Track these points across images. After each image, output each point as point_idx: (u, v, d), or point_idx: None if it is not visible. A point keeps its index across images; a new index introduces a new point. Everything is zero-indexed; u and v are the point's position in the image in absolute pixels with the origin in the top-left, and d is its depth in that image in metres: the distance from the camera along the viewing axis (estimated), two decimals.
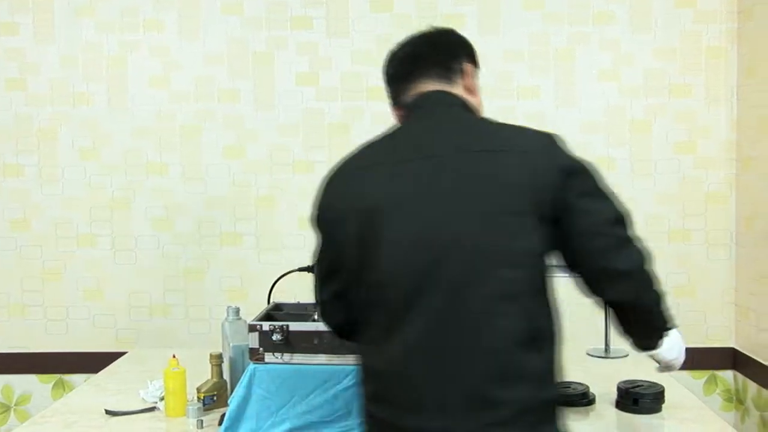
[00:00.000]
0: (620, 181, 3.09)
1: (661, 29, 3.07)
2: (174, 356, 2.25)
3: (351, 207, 1.60)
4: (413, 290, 1.49)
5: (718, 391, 3.14)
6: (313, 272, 2.12)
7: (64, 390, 3.16)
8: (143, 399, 2.31)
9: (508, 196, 1.51)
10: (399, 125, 1.73)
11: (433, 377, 1.48)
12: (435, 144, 1.58)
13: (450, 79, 1.73)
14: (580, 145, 3.10)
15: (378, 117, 3.13)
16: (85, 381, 2.70)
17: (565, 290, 3.14)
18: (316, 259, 1.72)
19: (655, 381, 2.26)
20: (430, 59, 1.76)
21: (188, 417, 2.17)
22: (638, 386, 2.23)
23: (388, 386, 1.54)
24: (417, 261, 1.50)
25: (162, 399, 2.26)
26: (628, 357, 2.61)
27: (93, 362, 2.97)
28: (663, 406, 2.22)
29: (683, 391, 2.40)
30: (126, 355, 2.95)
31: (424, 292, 1.48)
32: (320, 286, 1.73)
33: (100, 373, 2.70)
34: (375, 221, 1.54)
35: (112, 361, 2.84)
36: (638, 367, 2.41)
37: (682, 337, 1.81)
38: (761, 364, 2.86)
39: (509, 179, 1.52)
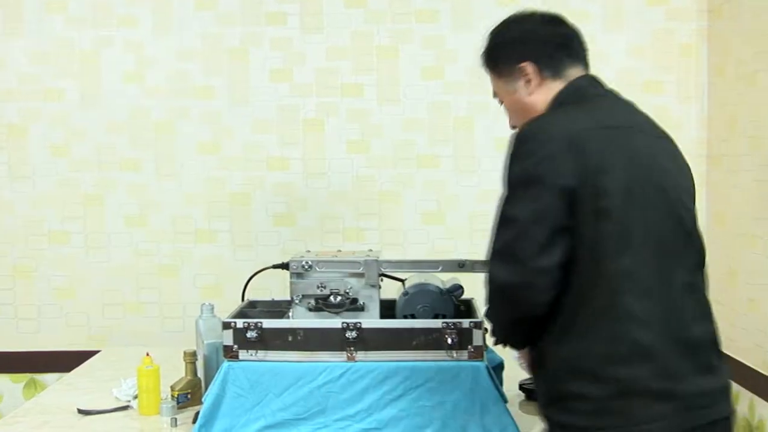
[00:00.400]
0: None
1: (634, 27, 3.09)
2: (148, 354, 2.24)
3: (609, 162, 1.60)
4: (663, 254, 1.60)
5: None
6: (286, 269, 2.14)
7: (36, 390, 3.13)
8: (116, 398, 2.30)
9: (687, 179, 1.73)
10: (582, 99, 1.74)
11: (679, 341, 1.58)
12: (634, 121, 1.72)
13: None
14: None
15: (353, 113, 3.12)
16: (57, 380, 2.68)
17: None
18: (528, 225, 1.58)
19: None
20: (585, 46, 1.86)
21: (162, 415, 2.16)
22: None
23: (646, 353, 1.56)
24: (667, 227, 1.63)
25: (135, 397, 2.25)
26: None
27: (65, 361, 2.95)
28: None
29: None
30: (99, 353, 2.93)
31: (670, 258, 1.61)
32: (539, 252, 1.57)
33: (72, 372, 2.68)
34: (639, 177, 1.61)
35: (84, 360, 2.82)
36: None
37: None
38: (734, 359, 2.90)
39: (683, 163, 1.74)
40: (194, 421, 2.05)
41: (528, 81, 1.78)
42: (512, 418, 2.01)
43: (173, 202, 3.15)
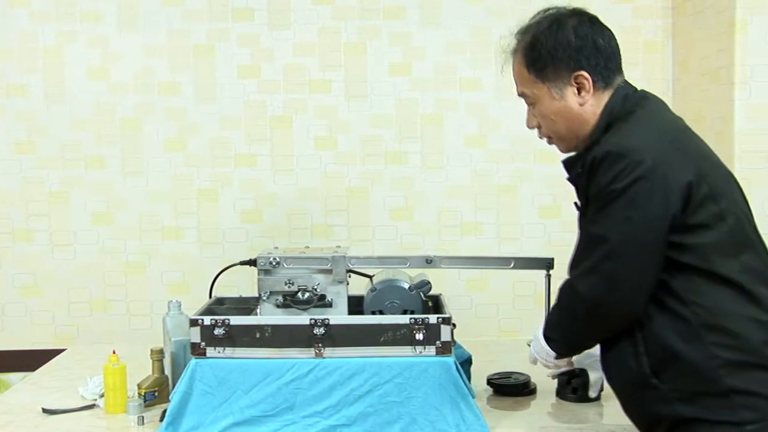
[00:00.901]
0: (560, 172, 3.12)
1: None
2: (114, 352, 2.22)
3: (703, 170, 1.69)
4: (743, 245, 1.70)
5: None
6: (254, 265, 2.13)
7: (0, 389, 3.09)
8: (82, 396, 2.28)
9: None
10: (645, 107, 1.79)
11: None
12: (683, 122, 1.84)
13: None
14: (520, 137, 3.16)
15: (320, 110, 3.12)
16: (22, 380, 2.65)
17: (506, 284, 3.19)
18: (625, 244, 1.66)
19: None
20: None
21: (129, 414, 2.14)
22: (575, 377, 2.27)
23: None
24: (749, 217, 1.76)
25: (102, 396, 2.23)
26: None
27: (30, 360, 2.92)
28: (602, 394, 2.26)
29: None
30: (65, 352, 2.90)
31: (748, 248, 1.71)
32: (649, 259, 1.66)
33: (37, 371, 2.64)
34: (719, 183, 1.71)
35: (50, 359, 2.79)
36: None
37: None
38: None
39: None
40: (161, 419, 2.03)
41: (580, 90, 1.78)
42: (480, 413, 2.02)
43: (139, 200, 3.13)
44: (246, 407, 2.01)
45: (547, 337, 1.91)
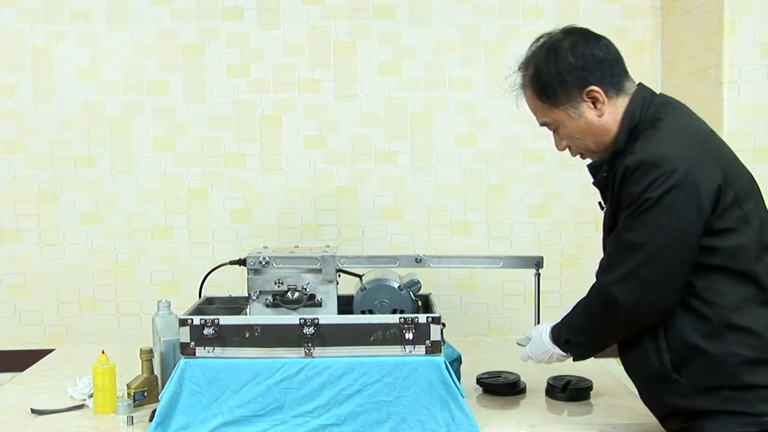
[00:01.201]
0: (550, 171, 3.15)
1: (590, 24, 3.11)
2: (103, 352, 2.22)
3: (730, 173, 1.77)
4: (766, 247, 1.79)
5: None
6: (243, 265, 2.13)
7: None
8: (71, 397, 2.27)
9: None
10: (671, 114, 1.84)
11: None
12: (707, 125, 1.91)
13: None
14: (509, 136, 3.17)
15: (310, 109, 3.12)
16: (10, 380, 2.64)
17: (496, 283, 3.20)
18: (660, 250, 1.73)
19: (582, 376, 2.31)
20: None
21: (118, 414, 2.14)
22: (567, 381, 2.28)
23: None
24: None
25: (91, 396, 2.23)
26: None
27: (19, 360, 2.91)
28: (591, 393, 2.27)
29: (612, 378, 2.46)
30: (54, 352, 2.90)
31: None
32: (683, 263, 1.74)
33: (26, 371, 2.64)
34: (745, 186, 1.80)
35: (39, 359, 2.78)
36: None
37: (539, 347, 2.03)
38: None
39: None
40: (151, 419, 2.03)
41: (594, 104, 1.85)
42: (470, 413, 2.02)
43: (129, 199, 3.12)
44: (236, 407, 2.01)
45: (567, 341, 1.95)
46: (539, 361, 2.05)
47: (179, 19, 3.09)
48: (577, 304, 1.95)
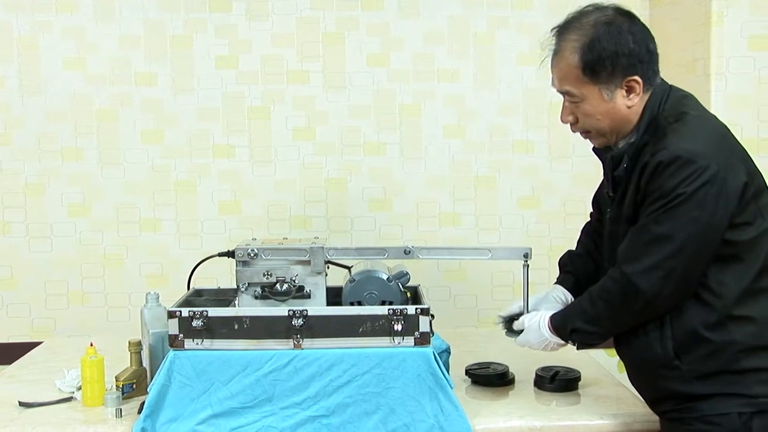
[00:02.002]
0: (538, 163, 3.15)
1: None
2: (92, 344, 2.21)
3: (751, 167, 1.84)
4: None
5: None
6: (232, 257, 2.13)
7: None
8: (59, 389, 2.26)
9: None
10: (694, 109, 1.88)
11: None
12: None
13: None
14: (498, 128, 3.17)
15: (298, 100, 3.11)
16: None
17: (485, 274, 3.20)
18: (688, 243, 1.76)
19: (571, 367, 2.32)
20: None
21: (106, 406, 2.13)
22: (555, 372, 2.29)
23: None
24: None
25: (79, 389, 2.22)
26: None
27: (7, 353, 2.90)
28: (579, 384, 2.28)
29: (599, 368, 2.47)
30: (42, 344, 2.88)
31: None
32: (706, 256, 1.78)
33: (14, 364, 2.63)
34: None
35: (27, 352, 2.77)
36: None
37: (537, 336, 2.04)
38: None
39: None
40: (139, 412, 2.03)
41: (629, 93, 1.86)
42: (459, 403, 2.03)
43: (117, 191, 3.11)
44: (224, 399, 2.01)
45: (574, 329, 1.94)
46: (534, 348, 2.07)
47: (167, 11, 3.08)
48: (587, 293, 1.95)
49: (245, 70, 3.11)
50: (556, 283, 2.25)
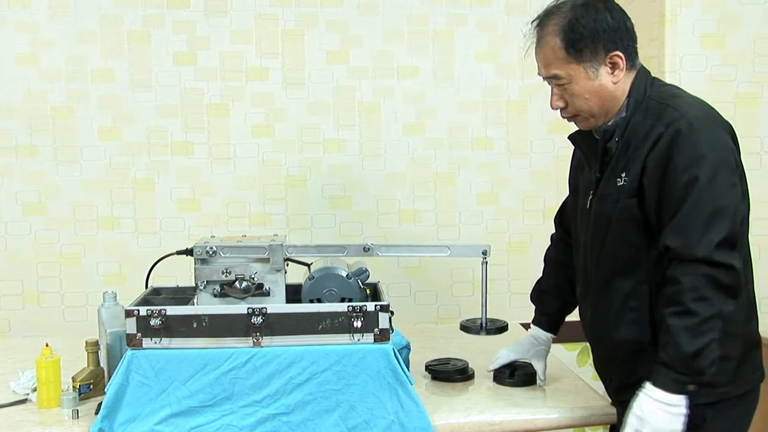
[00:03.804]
0: (497, 159, 3.18)
1: (536, 11, 3.14)
2: (47, 344, 2.18)
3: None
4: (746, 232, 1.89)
5: (590, 362, 3.25)
6: (190, 255, 2.11)
7: None
8: (14, 391, 2.23)
9: None
10: (682, 90, 1.95)
11: None
12: None
13: None
14: (457, 125, 3.18)
15: (257, 97, 3.10)
16: None
17: (445, 270, 3.21)
18: (737, 208, 1.78)
19: (527, 361, 2.33)
20: None
21: (63, 407, 2.10)
22: (514, 367, 2.30)
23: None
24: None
25: (34, 390, 2.18)
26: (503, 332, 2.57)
27: None
28: (538, 377, 2.30)
29: (558, 362, 2.50)
30: None
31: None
32: (747, 219, 1.86)
33: None
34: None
35: None
36: (512, 340, 2.46)
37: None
38: None
39: None
40: (97, 412, 2.01)
41: (613, 69, 1.88)
42: (419, 400, 2.03)
43: (74, 189, 3.07)
44: (183, 398, 2.00)
45: (700, 371, 1.72)
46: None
47: (123, 6, 3.04)
48: (666, 318, 1.75)
49: (204, 67, 3.08)
50: (532, 323, 2.31)
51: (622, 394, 1.96)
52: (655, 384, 1.74)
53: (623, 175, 1.88)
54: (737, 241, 1.76)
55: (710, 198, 1.73)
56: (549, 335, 2.27)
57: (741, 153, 1.85)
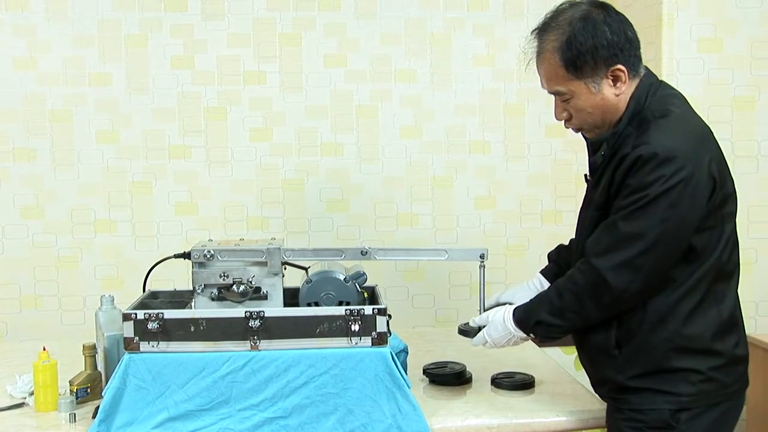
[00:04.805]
0: (495, 163, 3.18)
1: (533, 15, 3.16)
2: (44, 348, 2.17)
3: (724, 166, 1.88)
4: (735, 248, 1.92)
5: None
6: (188, 258, 2.11)
7: None
8: (11, 395, 2.22)
9: None
10: (680, 107, 1.89)
11: None
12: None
13: None
14: (455, 129, 3.19)
15: (255, 101, 3.10)
16: None
17: (442, 274, 3.21)
18: (660, 241, 1.79)
19: (527, 373, 2.33)
20: None
21: (60, 411, 2.10)
22: (509, 376, 2.31)
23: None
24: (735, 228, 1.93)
25: (31, 394, 2.18)
26: None
27: None
28: (536, 381, 2.30)
29: (556, 367, 2.50)
30: None
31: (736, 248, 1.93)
32: (674, 255, 1.82)
33: None
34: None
35: None
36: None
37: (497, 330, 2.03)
38: None
39: None
40: (94, 416, 2.00)
41: (615, 82, 1.86)
42: (416, 403, 2.03)
43: (71, 193, 3.07)
44: (181, 402, 1.99)
45: (539, 322, 1.94)
46: (496, 346, 2.06)
47: (121, 10, 3.05)
48: (553, 285, 1.97)
49: (201, 71, 3.09)
50: (540, 272, 2.27)
51: (599, 388, 2.02)
52: (515, 309, 2.00)
53: (599, 187, 1.91)
54: (644, 268, 1.79)
55: (631, 220, 1.79)
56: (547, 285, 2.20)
57: (733, 160, 1.86)
